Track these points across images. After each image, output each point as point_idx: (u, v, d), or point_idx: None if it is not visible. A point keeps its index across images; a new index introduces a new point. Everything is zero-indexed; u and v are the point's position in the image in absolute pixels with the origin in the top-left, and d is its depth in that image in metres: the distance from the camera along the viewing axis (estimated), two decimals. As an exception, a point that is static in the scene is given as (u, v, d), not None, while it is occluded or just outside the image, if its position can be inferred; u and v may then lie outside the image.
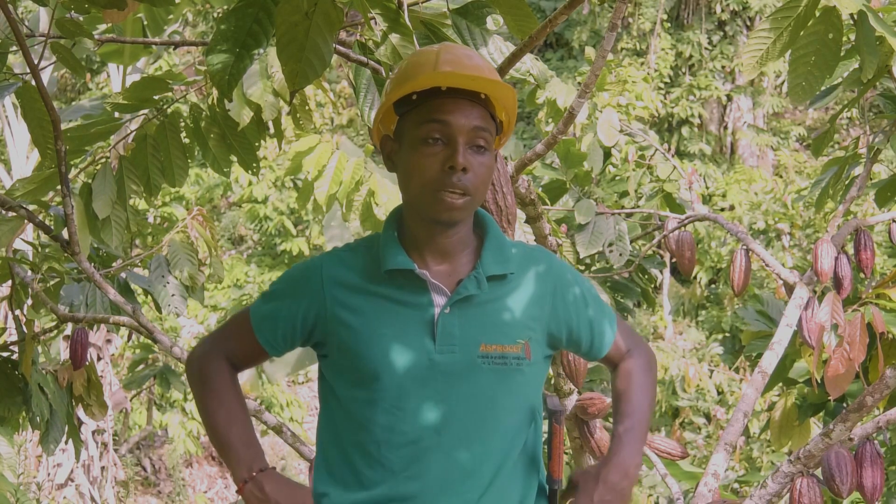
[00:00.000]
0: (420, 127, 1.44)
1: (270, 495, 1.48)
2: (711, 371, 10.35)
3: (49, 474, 7.52)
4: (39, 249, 3.17)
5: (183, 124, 3.10)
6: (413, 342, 1.46)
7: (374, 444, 1.47)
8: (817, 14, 2.05)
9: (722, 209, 12.24)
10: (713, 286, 12.51)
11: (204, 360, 1.60)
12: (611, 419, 1.68)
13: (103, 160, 3.08)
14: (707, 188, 12.68)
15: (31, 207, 2.84)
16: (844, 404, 3.07)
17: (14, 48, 2.46)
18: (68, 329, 3.42)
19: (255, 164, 3.15)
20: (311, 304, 1.51)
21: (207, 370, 1.59)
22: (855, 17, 2.12)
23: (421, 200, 1.46)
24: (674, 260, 3.28)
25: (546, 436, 1.60)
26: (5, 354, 3.08)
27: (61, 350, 6.57)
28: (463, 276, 1.50)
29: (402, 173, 1.49)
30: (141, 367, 5.12)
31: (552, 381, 3.20)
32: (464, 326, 1.48)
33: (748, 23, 14.15)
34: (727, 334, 11.64)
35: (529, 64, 3.59)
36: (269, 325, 1.56)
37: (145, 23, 3.53)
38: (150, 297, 3.49)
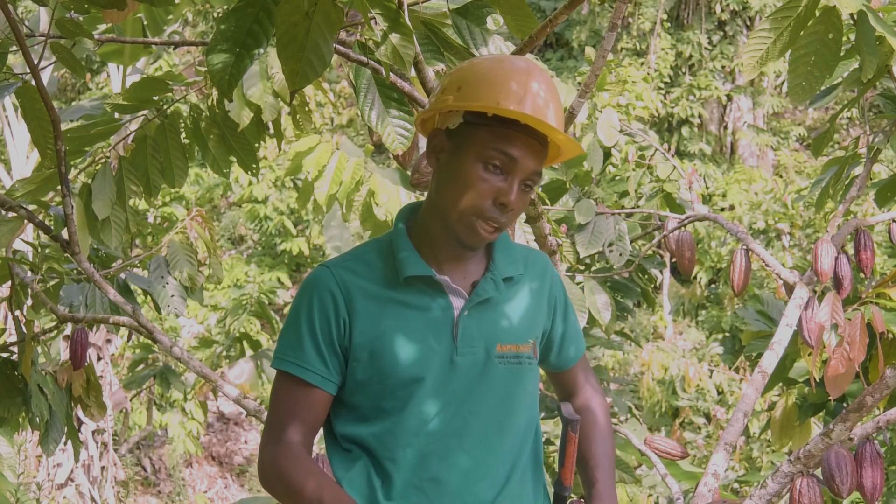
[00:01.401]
0: (487, 149, 1.41)
1: None
2: (711, 371, 10.36)
3: (49, 474, 7.51)
4: (39, 250, 3.17)
5: (183, 125, 3.10)
6: (435, 346, 1.47)
7: (401, 450, 1.47)
8: (817, 14, 2.05)
9: (722, 209, 12.24)
10: (713, 286, 12.51)
11: (276, 463, 1.45)
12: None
13: (103, 160, 3.08)
14: (707, 188, 12.68)
15: (31, 207, 2.84)
16: (844, 404, 3.07)
17: (14, 48, 2.46)
18: (68, 329, 3.42)
19: (254, 165, 3.15)
20: (337, 313, 1.47)
21: (284, 469, 1.44)
22: (855, 16, 2.12)
23: (456, 218, 1.44)
24: (674, 260, 3.27)
25: (559, 442, 1.62)
26: (5, 355, 3.08)
27: (61, 350, 6.57)
28: (476, 277, 1.52)
29: (448, 180, 1.46)
30: (141, 367, 5.14)
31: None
32: (482, 328, 1.49)
33: (748, 23, 14.15)
34: (727, 334, 11.64)
35: (529, 64, 3.58)
36: (313, 359, 1.47)
37: (145, 23, 3.52)
38: (149, 297, 3.49)
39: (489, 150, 1.41)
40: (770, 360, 2.72)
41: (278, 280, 12.34)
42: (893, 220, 2.94)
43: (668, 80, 13.87)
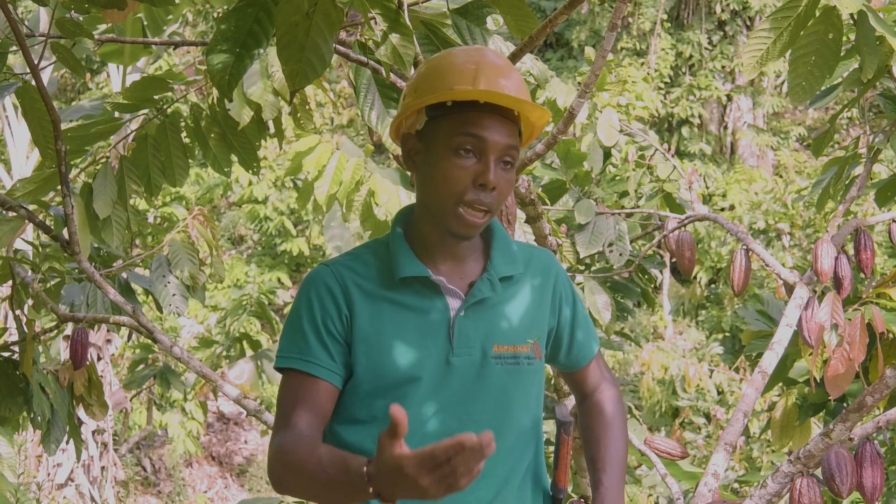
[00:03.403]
0: (453, 137, 1.41)
1: (388, 470, 1.16)
2: (711, 371, 10.36)
3: (49, 474, 7.52)
4: (40, 249, 3.17)
5: (183, 124, 3.10)
6: (431, 347, 1.46)
7: None
8: (817, 14, 2.05)
9: (722, 209, 12.25)
10: (713, 286, 12.51)
11: (280, 448, 1.39)
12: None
13: (104, 160, 3.08)
14: (707, 188, 12.69)
15: (32, 207, 2.84)
16: (844, 404, 3.07)
17: (14, 48, 2.46)
18: (69, 329, 3.43)
19: (255, 164, 3.15)
20: (338, 307, 1.46)
21: (287, 451, 1.38)
22: (855, 16, 2.12)
23: (442, 210, 1.44)
24: (674, 260, 3.27)
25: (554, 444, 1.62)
26: (6, 354, 3.08)
27: (61, 350, 6.57)
28: (473, 277, 1.51)
29: (426, 178, 1.46)
30: (141, 367, 5.14)
31: (552, 381, 3.20)
32: (478, 328, 1.48)
33: (748, 23, 14.15)
34: (727, 334, 11.65)
35: (529, 64, 3.59)
36: (318, 352, 1.45)
37: (145, 23, 3.52)
38: (150, 296, 3.50)
39: (456, 136, 1.41)
40: (770, 360, 2.72)
41: (278, 280, 12.35)
42: (893, 220, 2.94)
43: (668, 80, 13.87)
